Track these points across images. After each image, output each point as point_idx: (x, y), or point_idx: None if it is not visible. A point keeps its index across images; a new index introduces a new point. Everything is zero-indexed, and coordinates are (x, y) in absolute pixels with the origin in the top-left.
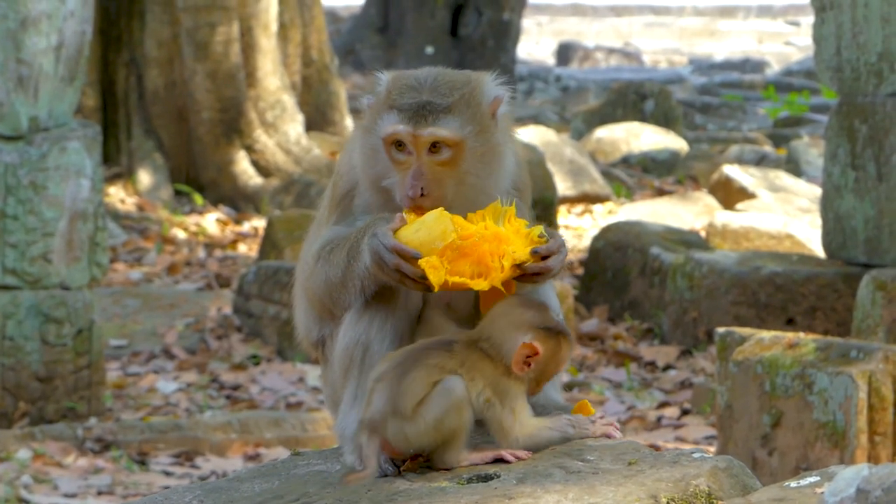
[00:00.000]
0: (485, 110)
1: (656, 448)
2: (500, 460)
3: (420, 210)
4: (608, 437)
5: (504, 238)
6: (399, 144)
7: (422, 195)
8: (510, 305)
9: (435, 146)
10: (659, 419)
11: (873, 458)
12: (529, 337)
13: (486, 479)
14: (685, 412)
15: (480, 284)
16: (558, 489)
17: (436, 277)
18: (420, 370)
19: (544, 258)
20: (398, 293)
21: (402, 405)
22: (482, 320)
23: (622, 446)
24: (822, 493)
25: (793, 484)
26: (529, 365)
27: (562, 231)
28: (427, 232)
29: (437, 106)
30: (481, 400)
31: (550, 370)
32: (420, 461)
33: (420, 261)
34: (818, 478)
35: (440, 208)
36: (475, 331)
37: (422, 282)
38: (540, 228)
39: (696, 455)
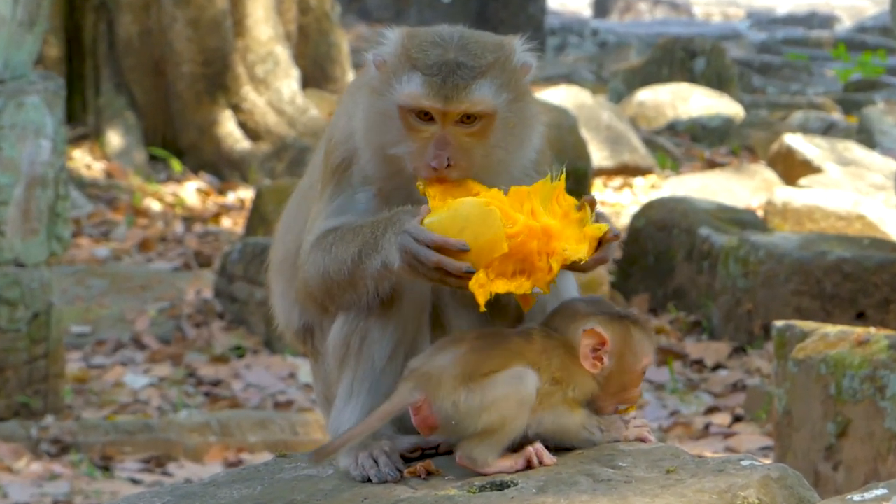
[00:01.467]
0: (519, 78)
1: (700, 457)
2: (529, 467)
3: (441, 183)
4: (642, 440)
5: (555, 233)
6: (421, 113)
7: (448, 166)
8: (564, 304)
9: (467, 117)
10: (706, 426)
11: None
12: (590, 324)
13: (501, 487)
14: (737, 419)
15: (524, 287)
16: (584, 500)
17: (483, 298)
18: (502, 349)
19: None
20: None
21: (474, 369)
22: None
23: (659, 451)
24: None
25: (856, 497)
26: (602, 360)
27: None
28: (471, 229)
29: (470, 69)
30: (546, 382)
31: (629, 365)
32: (427, 465)
33: (470, 282)
34: (886, 490)
35: (483, 200)
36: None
37: (467, 276)
38: (596, 224)
39: (744, 463)
